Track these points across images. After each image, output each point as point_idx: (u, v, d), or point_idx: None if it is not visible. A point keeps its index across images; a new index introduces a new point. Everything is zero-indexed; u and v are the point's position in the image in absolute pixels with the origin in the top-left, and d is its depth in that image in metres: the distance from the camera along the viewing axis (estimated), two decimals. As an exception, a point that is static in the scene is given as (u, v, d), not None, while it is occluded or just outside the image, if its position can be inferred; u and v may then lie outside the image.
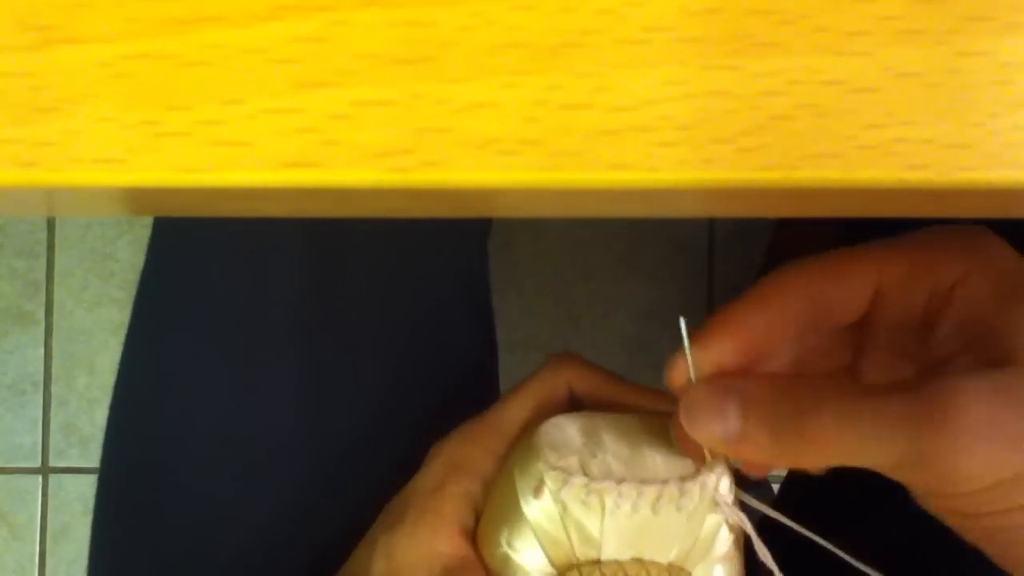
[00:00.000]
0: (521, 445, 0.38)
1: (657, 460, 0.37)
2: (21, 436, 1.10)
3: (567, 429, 0.37)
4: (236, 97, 0.22)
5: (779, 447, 0.31)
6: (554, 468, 0.36)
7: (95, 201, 0.25)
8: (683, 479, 0.36)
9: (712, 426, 0.33)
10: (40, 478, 1.10)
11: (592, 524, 0.35)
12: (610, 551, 0.36)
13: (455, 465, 0.38)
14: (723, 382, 0.33)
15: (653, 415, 0.38)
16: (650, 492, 0.35)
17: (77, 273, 1.09)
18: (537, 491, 0.36)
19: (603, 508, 0.35)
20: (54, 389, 1.09)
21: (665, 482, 0.36)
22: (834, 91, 0.22)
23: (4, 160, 0.22)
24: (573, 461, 0.36)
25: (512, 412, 0.39)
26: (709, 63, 0.22)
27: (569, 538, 0.36)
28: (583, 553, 0.36)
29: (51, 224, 1.10)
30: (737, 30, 0.22)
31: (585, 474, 0.36)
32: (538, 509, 0.36)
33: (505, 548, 0.37)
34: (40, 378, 1.09)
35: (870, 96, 0.22)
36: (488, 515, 0.38)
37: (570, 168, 0.22)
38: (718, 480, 0.36)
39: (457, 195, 0.23)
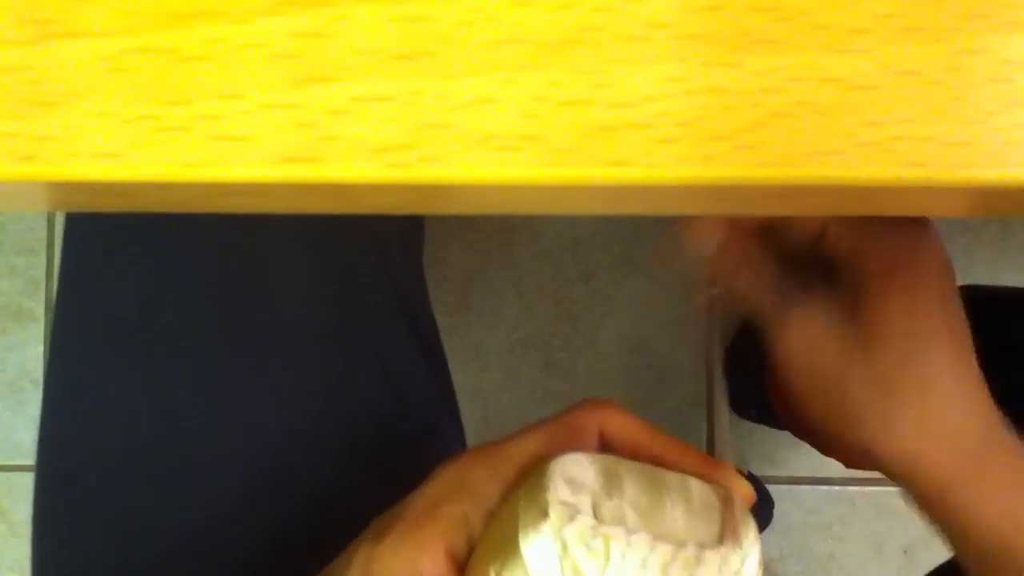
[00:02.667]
0: (534, 473, 0.35)
1: (679, 520, 0.33)
2: (20, 433, 1.10)
3: (586, 466, 0.34)
4: (235, 92, 0.22)
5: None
6: (562, 503, 0.32)
7: (93, 196, 0.25)
8: (703, 546, 0.32)
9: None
10: (39, 475, 1.09)
11: (593, 571, 0.32)
12: None
13: (457, 485, 0.36)
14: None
15: (685, 475, 0.35)
16: (663, 551, 0.32)
17: (77, 271, 1.08)
18: (537, 524, 0.32)
19: (607, 556, 0.32)
20: (53, 387, 1.09)
21: (683, 544, 0.32)
22: (834, 89, 0.22)
23: (3, 154, 0.22)
24: (584, 500, 0.33)
25: (531, 442, 0.36)
26: (709, 60, 0.22)
27: None
28: None
29: (51, 221, 1.10)
30: (737, 27, 0.22)
31: (595, 516, 0.32)
32: (536, 544, 0.32)
33: None
34: (39, 376, 1.09)
35: (869, 94, 0.22)
36: (483, 544, 0.35)
37: (569, 164, 0.22)
38: (744, 558, 0.32)
39: (456, 191, 0.23)
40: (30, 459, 1.16)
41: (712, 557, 0.32)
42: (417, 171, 0.22)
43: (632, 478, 0.34)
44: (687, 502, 0.34)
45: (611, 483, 0.34)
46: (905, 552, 1.05)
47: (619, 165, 0.22)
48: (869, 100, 0.22)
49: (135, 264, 0.46)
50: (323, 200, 0.25)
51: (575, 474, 0.34)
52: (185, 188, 0.22)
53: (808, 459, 1.03)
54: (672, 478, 0.35)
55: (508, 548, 0.33)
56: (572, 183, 0.22)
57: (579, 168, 0.22)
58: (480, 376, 1.04)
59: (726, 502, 0.34)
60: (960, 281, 0.38)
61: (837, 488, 1.03)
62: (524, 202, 0.26)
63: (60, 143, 0.22)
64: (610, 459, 0.35)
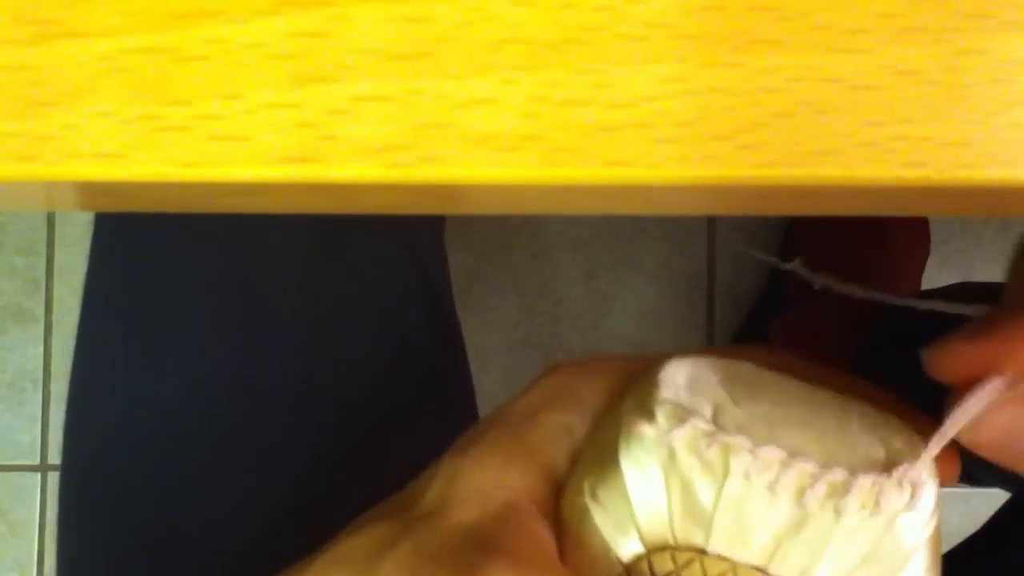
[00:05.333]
0: (647, 372, 0.28)
1: (828, 439, 0.25)
2: (20, 433, 1.09)
3: (713, 368, 0.27)
4: (235, 92, 0.22)
5: None
6: (673, 403, 0.26)
7: (94, 196, 0.25)
8: (855, 471, 0.24)
9: None
10: (39, 475, 1.09)
11: (705, 491, 0.25)
12: (721, 542, 0.25)
13: (562, 391, 0.30)
14: None
15: (849, 398, 0.28)
16: (801, 471, 0.24)
17: (77, 270, 1.09)
18: (640, 428, 0.25)
19: (726, 471, 0.24)
20: (53, 387, 1.09)
21: (828, 466, 0.24)
22: (834, 88, 0.22)
23: (3, 154, 0.22)
24: (704, 403, 0.26)
25: (656, 359, 0.30)
26: (709, 60, 0.22)
27: (670, 503, 0.25)
28: (685, 532, 0.25)
29: (51, 221, 1.10)
30: (737, 27, 0.22)
31: (715, 423, 0.25)
32: (636, 452, 0.25)
33: (587, 498, 0.26)
34: (39, 375, 1.09)
35: (869, 94, 0.22)
36: (584, 456, 0.28)
37: (569, 164, 0.22)
38: (915, 488, 0.25)
39: (455, 191, 0.23)
40: (30, 459, 1.17)
41: (867, 484, 0.24)
42: (417, 171, 0.22)
43: (773, 388, 0.27)
44: (844, 422, 0.26)
45: (744, 390, 0.26)
46: (905, 552, 1.05)
47: (619, 165, 0.22)
48: (869, 100, 0.22)
49: (168, 249, 0.46)
50: (323, 200, 0.25)
51: (697, 375, 0.27)
52: (185, 188, 0.22)
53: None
54: (833, 398, 0.27)
55: (606, 458, 0.27)
56: (572, 183, 0.22)
57: (579, 168, 0.22)
58: (480, 376, 1.04)
59: (897, 432, 0.26)
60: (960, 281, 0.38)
61: (837, 488, 1.03)
62: (524, 202, 0.26)
63: (60, 143, 0.22)
64: (748, 366, 0.28)
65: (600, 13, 0.22)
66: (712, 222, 1.06)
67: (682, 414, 0.25)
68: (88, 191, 0.24)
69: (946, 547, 0.30)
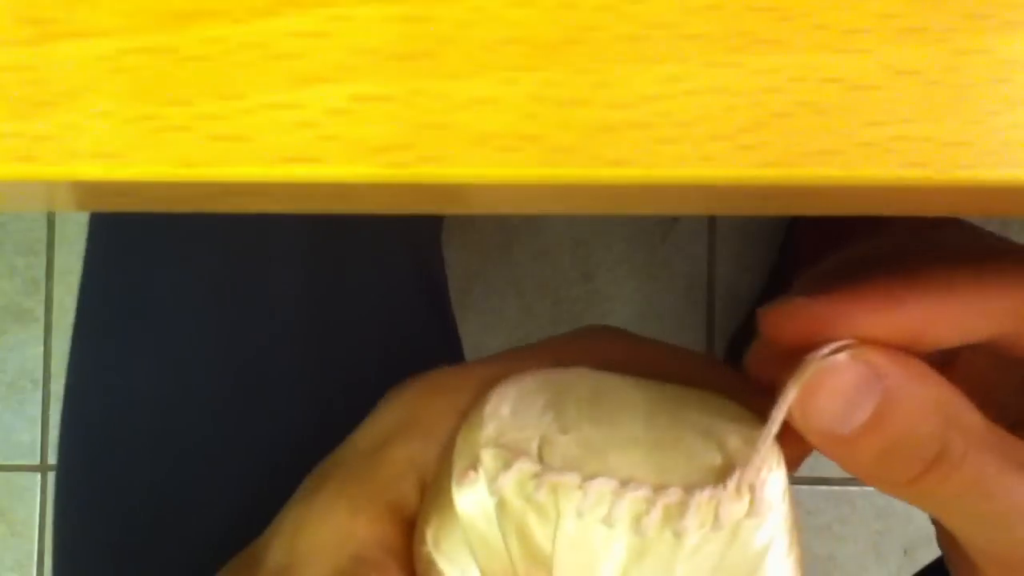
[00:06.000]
0: (476, 405, 0.27)
1: (662, 454, 0.25)
2: (20, 433, 1.09)
3: (537, 390, 0.26)
4: (235, 92, 0.22)
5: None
6: (498, 444, 0.25)
7: (94, 196, 0.25)
8: (691, 488, 0.24)
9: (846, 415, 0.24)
10: (39, 475, 1.09)
11: (541, 535, 0.24)
12: None
13: (409, 420, 0.28)
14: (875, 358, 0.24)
15: (687, 389, 0.27)
16: (635, 499, 0.24)
17: (77, 271, 1.08)
18: (469, 474, 0.25)
19: (558, 514, 0.24)
20: (53, 387, 1.09)
21: (662, 488, 0.24)
22: (834, 88, 0.22)
23: (2, 154, 0.22)
24: (530, 436, 0.25)
25: (501, 368, 0.28)
26: (709, 60, 0.22)
27: (509, 549, 0.25)
28: (530, 575, 0.25)
29: (51, 222, 1.10)
30: (737, 27, 0.22)
31: (541, 459, 0.25)
32: (469, 499, 0.25)
33: (430, 548, 0.26)
34: (39, 376, 1.09)
35: (869, 94, 0.22)
36: (425, 500, 0.27)
37: (569, 164, 0.22)
38: (754, 490, 0.24)
39: (455, 191, 0.23)
40: (30, 459, 1.17)
41: (704, 500, 0.24)
42: (416, 171, 0.22)
43: (604, 398, 0.26)
44: (679, 430, 0.25)
45: (574, 409, 0.26)
46: (905, 552, 1.05)
47: (619, 165, 0.22)
48: (869, 100, 0.22)
49: (165, 248, 0.46)
50: (322, 199, 0.25)
51: (522, 403, 0.26)
52: (185, 188, 0.22)
53: (807, 459, 1.03)
54: (668, 395, 0.26)
55: (444, 504, 0.26)
56: (572, 183, 0.22)
57: (579, 168, 0.22)
58: (480, 376, 1.04)
59: (734, 426, 0.26)
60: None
61: (837, 488, 1.03)
62: (524, 202, 0.26)
63: (59, 143, 0.22)
64: (580, 375, 0.27)
65: (600, 13, 0.22)
66: (712, 222, 1.06)
67: (507, 457, 0.25)
68: (88, 191, 0.24)
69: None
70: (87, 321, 0.49)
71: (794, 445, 0.26)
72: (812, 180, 0.22)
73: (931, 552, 0.34)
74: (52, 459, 1.09)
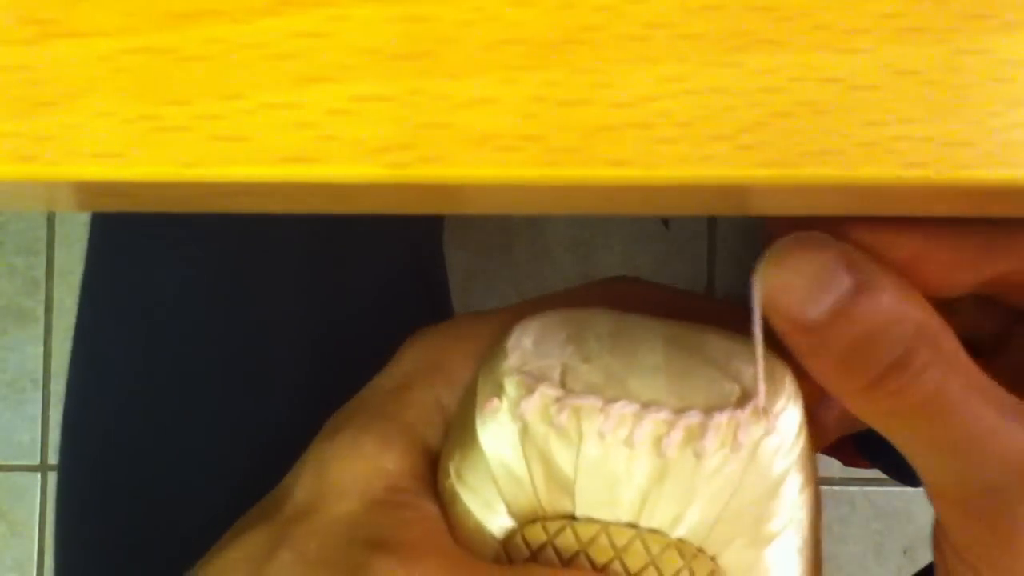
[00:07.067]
0: (498, 339, 0.27)
1: (682, 382, 0.25)
2: (20, 433, 1.10)
3: (558, 325, 0.27)
4: (235, 92, 0.22)
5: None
6: (520, 372, 0.25)
7: (94, 196, 0.25)
8: (710, 411, 0.24)
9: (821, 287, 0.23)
10: (39, 475, 1.09)
11: (564, 458, 0.24)
12: (589, 505, 0.25)
13: (430, 364, 0.29)
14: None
15: (704, 328, 0.27)
16: (655, 421, 0.24)
17: (77, 270, 1.09)
18: (492, 403, 0.25)
19: (580, 435, 0.24)
20: (53, 387, 1.09)
21: (683, 411, 0.24)
22: (833, 88, 0.22)
23: (3, 154, 0.22)
24: (552, 365, 0.25)
25: (523, 316, 0.28)
26: (709, 60, 0.22)
27: (532, 475, 0.25)
28: (552, 502, 0.25)
29: (51, 221, 1.10)
30: (737, 27, 0.22)
31: (563, 385, 0.25)
32: (492, 428, 0.25)
33: (453, 480, 0.26)
34: (39, 376, 1.09)
35: (869, 94, 0.22)
36: (449, 435, 0.28)
37: (569, 164, 0.22)
38: (772, 414, 0.24)
39: (455, 191, 0.23)
40: (30, 459, 1.17)
41: (723, 422, 0.24)
42: (416, 171, 0.22)
43: (626, 333, 0.26)
44: (698, 361, 0.26)
45: (595, 342, 0.26)
46: (905, 552, 1.05)
47: (619, 165, 0.22)
48: (869, 100, 0.22)
49: (165, 248, 0.46)
50: (323, 200, 0.25)
51: (544, 336, 0.26)
52: (185, 188, 0.22)
53: (808, 459, 1.03)
54: (686, 332, 0.27)
55: (467, 438, 0.26)
56: (572, 183, 0.22)
57: (579, 168, 0.22)
58: (480, 376, 1.04)
59: (752, 360, 0.26)
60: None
61: (837, 488, 1.03)
62: (524, 202, 0.26)
63: (60, 143, 0.22)
64: (600, 313, 0.27)
65: (600, 13, 0.22)
66: (712, 222, 1.06)
67: (530, 383, 0.25)
68: (88, 191, 0.24)
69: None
70: (87, 321, 0.49)
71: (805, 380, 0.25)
72: (812, 180, 0.22)
73: (931, 552, 0.34)
74: (52, 459, 1.09)
